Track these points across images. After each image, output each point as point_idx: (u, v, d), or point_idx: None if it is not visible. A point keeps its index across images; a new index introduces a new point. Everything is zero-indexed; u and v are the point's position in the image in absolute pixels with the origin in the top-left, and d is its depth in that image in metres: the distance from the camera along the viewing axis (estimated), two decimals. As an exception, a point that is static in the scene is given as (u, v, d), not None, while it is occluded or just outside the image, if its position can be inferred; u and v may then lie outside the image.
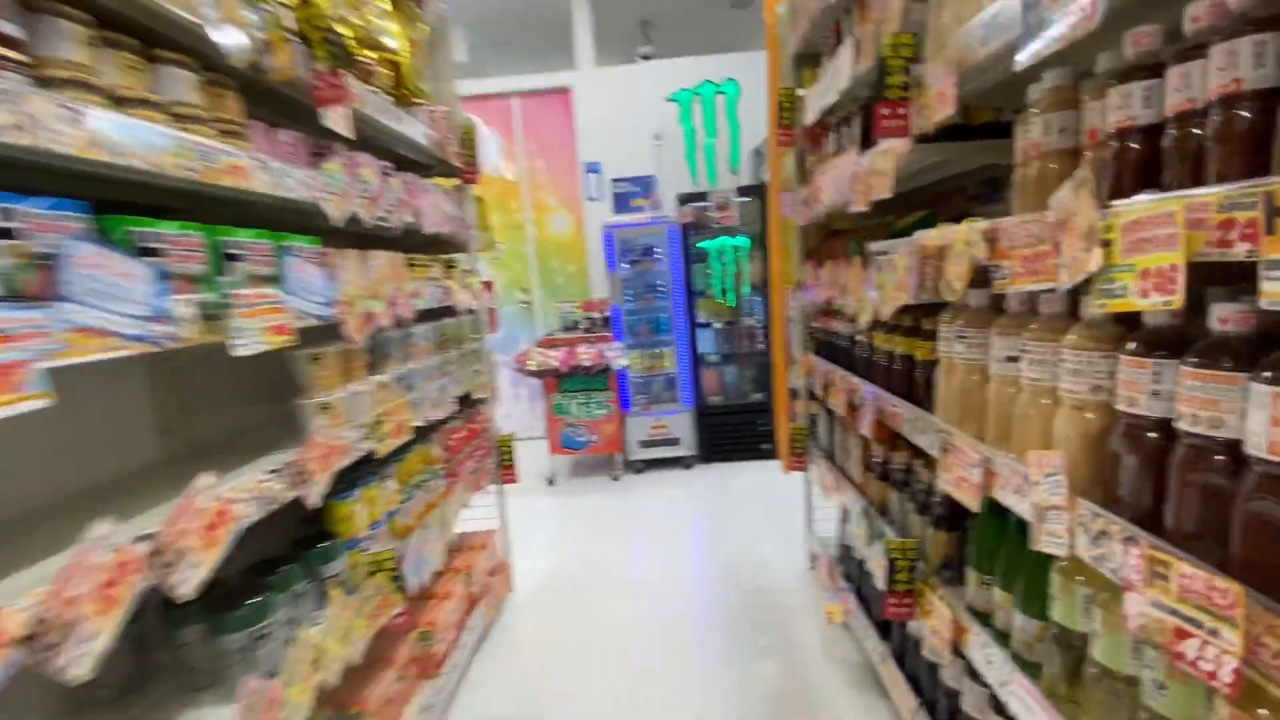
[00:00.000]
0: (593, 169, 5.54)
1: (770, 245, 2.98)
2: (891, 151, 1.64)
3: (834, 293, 2.36)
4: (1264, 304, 0.67)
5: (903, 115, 1.56)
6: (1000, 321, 1.31)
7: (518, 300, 5.93)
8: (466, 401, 2.69)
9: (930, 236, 1.46)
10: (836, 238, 2.71)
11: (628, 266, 4.71)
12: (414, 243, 2.63)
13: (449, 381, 2.33)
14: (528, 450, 5.46)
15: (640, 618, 2.79)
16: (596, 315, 4.94)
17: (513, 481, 2.87)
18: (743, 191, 4.60)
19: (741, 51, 5.55)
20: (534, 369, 4.38)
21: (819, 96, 2.35)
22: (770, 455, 4.80)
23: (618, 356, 4.39)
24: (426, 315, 2.35)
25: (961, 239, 1.30)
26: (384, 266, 1.90)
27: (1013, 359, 1.27)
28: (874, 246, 1.97)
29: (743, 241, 4.65)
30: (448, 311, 2.47)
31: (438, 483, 2.26)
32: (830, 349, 2.64)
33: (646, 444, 4.73)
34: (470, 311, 2.56)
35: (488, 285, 2.85)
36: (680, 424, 4.72)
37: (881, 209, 2.68)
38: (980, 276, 1.28)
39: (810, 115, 2.49)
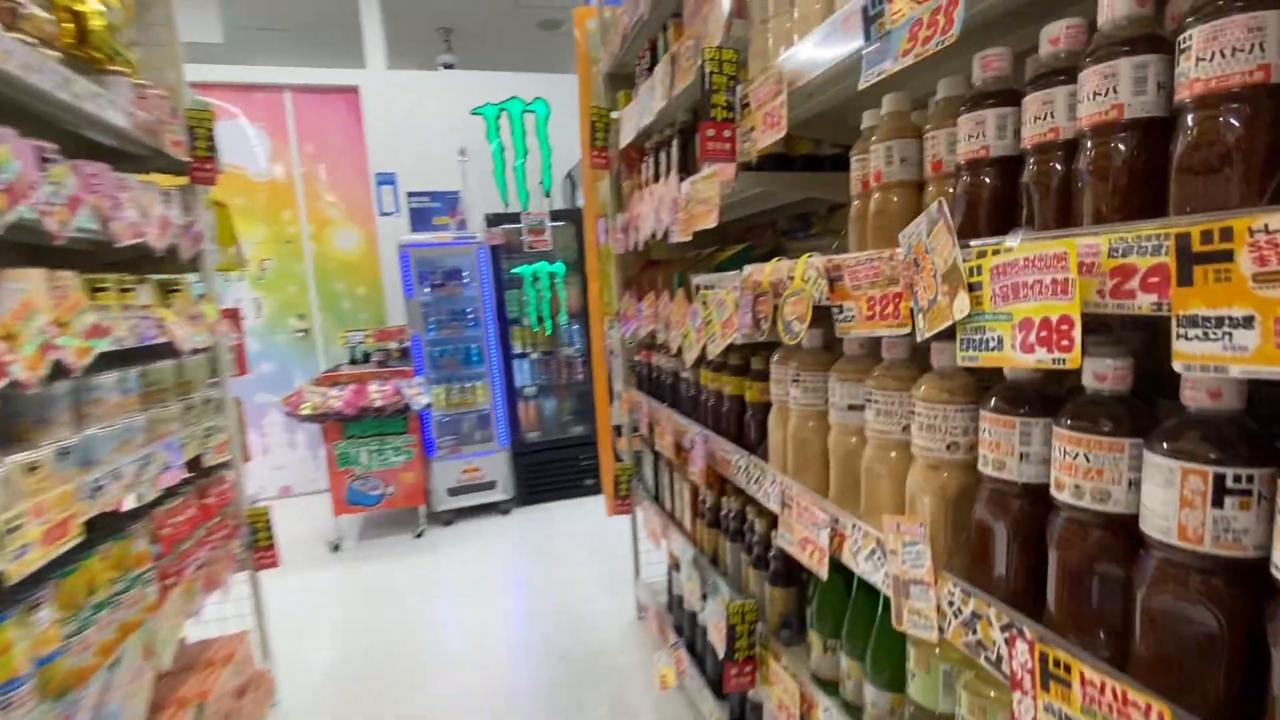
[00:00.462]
0: (386, 180, 4.93)
1: (589, 273, 2.79)
2: (716, 178, 1.50)
3: (656, 326, 2.20)
4: (1178, 366, 0.57)
5: (728, 139, 1.43)
6: (840, 365, 1.20)
7: (293, 329, 5.02)
8: (199, 468, 2.04)
9: (763, 271, 1.33)
10: (656, 268, 2.58)
11: (430, 291, 4.20)
12: (119, 259, 1.94)
13: (164, 447, 1.71)
14: (307, 509, 4.59)
15: (446, 705, 2.33)
16: (393, 346, 4.33)
17: (271, 565, 2.25)
18: (557, 216, 4.37)
19: (552, 73, 5.39)
20: (310, 413, 3.65)
21: (634, 118, 2.20)
22: (595, 490, 4.57)
23: (418, 394, 3.85)
24: (125, 357, 1.70)
25: (799, 276, 1.17)
26: (34, 291, 1.29)
27: (855, 407, 1.16)
28: (699, 280, 1.83)
29: (559, 268, 4.42)
30: (163, 351, 1.83)
31: (142, 592, 1.62)
32: (654, 384, 2.48)
33: (456, 491, 4.21)
34: (200, 350, 1.94)
35: (231, 314, 2.22)
36: (495, 465, 4.29)
37: (700, 240, 2.61)
38: (816, 314, 1.16)
39: (626, 137, 2.33)
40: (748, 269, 1.40)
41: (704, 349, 1.70)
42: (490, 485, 4.29)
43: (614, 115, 2.59)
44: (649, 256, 2.76)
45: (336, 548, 3.91)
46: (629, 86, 2.60)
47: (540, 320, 4.41)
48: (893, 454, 1.06)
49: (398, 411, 3.78)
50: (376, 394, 3.74)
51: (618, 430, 3.02)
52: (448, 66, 5.59)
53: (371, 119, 5.00)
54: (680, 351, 1.95)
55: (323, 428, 3.83)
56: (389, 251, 4.96)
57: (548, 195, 4.72)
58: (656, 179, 2.16)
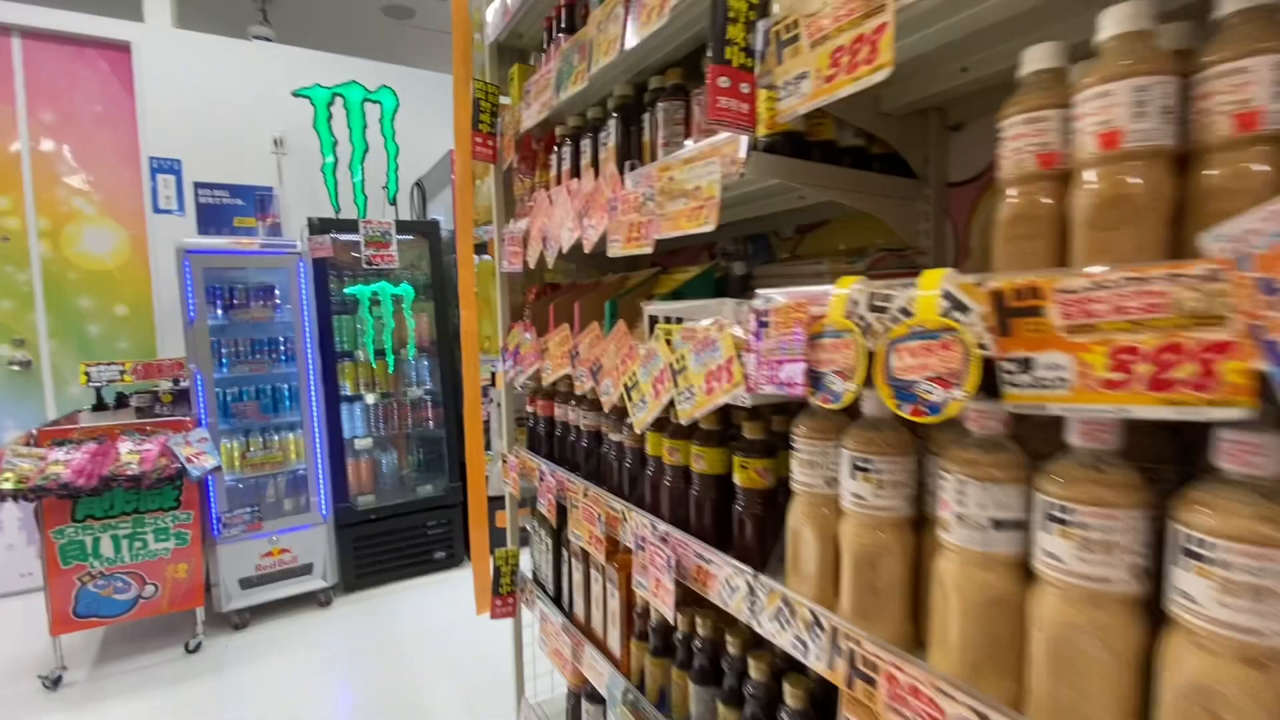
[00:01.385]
0: (166, 168, 3.76)
1: (462, 295, 2.13)
2: (718, 156, 1.01)
3: (569, 369, 1.62)
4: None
5: (746, 96, 0.94)
6: (969, 454, 0.74)
7: (5, 360, 3.56)
8: None
9: (828, 297, 0.84)
10: (557, 293, 2.01)
11: (224, 313, 3.15)
12: None
13: None
14: (10, 620, 3.14)
15: None
16: (164, 387, 3.18)
17: None
18: (405, 228, 3.59)
19: (398, 65, 4.61)
20: (13, 486, 2.44)
21: (544, 92, 1.64)
22: (450, 564, 3.73)
23: (199, 454, 2.79)
24: None
25: (926, 305, 0.70)
26: None
27: (1007, 525, 0.71)
28: (654, 309, 1.30)
29: (406, 290, 3.61)
30: None
31: None
32: (560, 446, 1.88)
33: (254, 582, 3.14)
34: None
35: None
36: (312, 543, 3.29)
37: (599, 264, 2.08)
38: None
39: (529, 120, 1.75)
40: (783, 294, 0.91)
41: (668, 408, 1.17)
42: (304, 570, 3.28)
43: (504, 100, 2.01)
44: (542, 279, 2.19)
45: (56, 682, 2.65)
46: (524, 60, 2.05)
47: (380, 354, 3.55)
48: (1106, 619, 0.61)
49: (165, 480, 2.69)
50: (131, 456, 2.63)
51: (494, 501, 2.34)
52: (265, 39, 4.54)
53: (148, 87, 3.82)
54: (616, 408, 1.40)
55: (37, 508, 2.60)
56: (165, 260, 3.76)
57: (392, 203, 3.90)
58: (576, 174, 1.61)
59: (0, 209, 3.52)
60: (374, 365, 3.54)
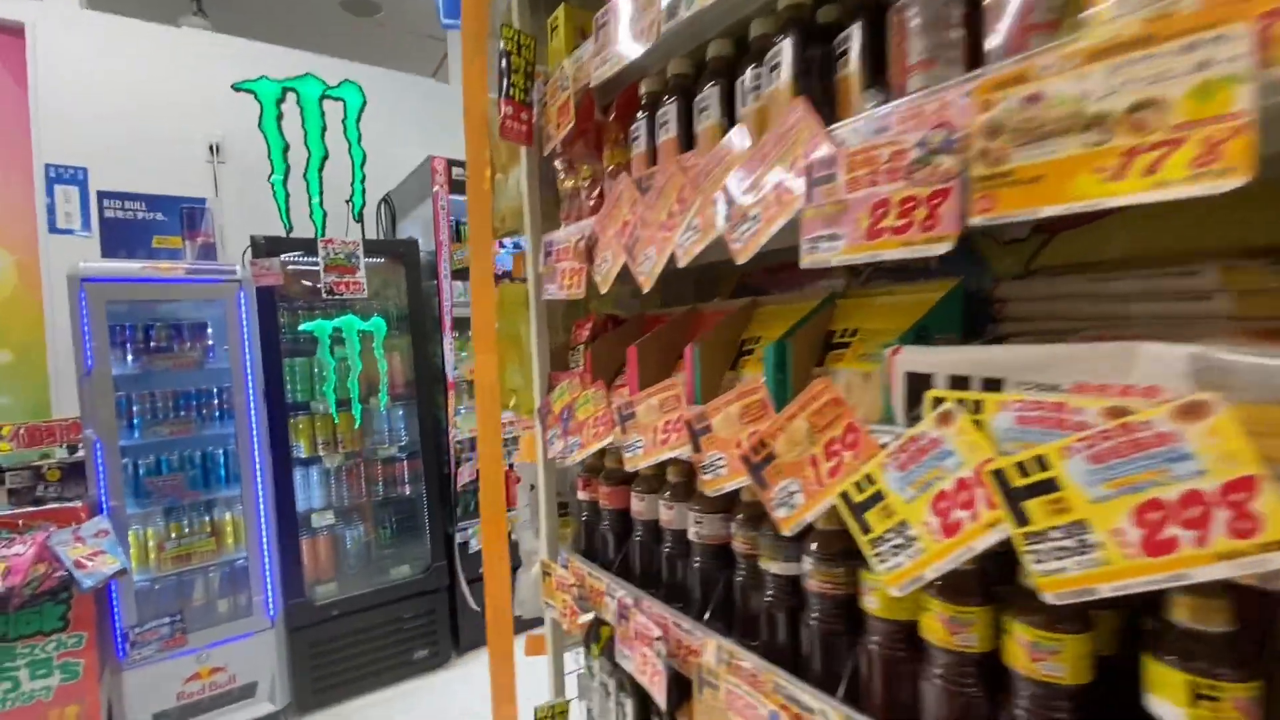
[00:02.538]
0: (65, 178, 3.01)
1: (478, 335, 1.49)
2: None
3: (673, 447, 1.03)
4: None
5: None
6: None
7: None
8: None
9: None
10: (621, 327, 1.41)
11: (135, 360, 2.40)
12: None
13: None
14: None
15: None
16: (56, 459, 2.40)
17: None
18: (376, 249, 2.92)
19: (363, 64, 3.98)
20: None
21: (643, 15, 1.07)
22: (432, 664, 2.99)
23: (96, 554, 2.04)
24: None
25: None
26: None
27: None
28: (938, 359, 0.72)
29: (377, 324, 2.93)
30: None
31: None
32: (639, 558, 1.26)
33: (174, 715, 2.36)
34: None
35: None
36: (255, 656, 2.52)
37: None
38: None
39: (602, 70, 1.17)
40: None
41: (954, 554, 0.59)
42: (244, 693, 2.50)
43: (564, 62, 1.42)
44: (585, 311, 1.59)
45: None
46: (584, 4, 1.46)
47: (343, 405, 2.84)
48: None
49: (43, 596, 1.93)
50: (-12, 567, 1.86)
51: (519, 622, 1.68)
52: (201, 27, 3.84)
53: (46, 79, 3.08)
54: (828, 537, 0.81)
55: None
56: (62, 292, 2.98)
57: (358, 220, 3.23)
58: (686, 144, 1.03)
59: None
60: (335, 419, 2.83)
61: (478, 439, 1.57)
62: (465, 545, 3.11)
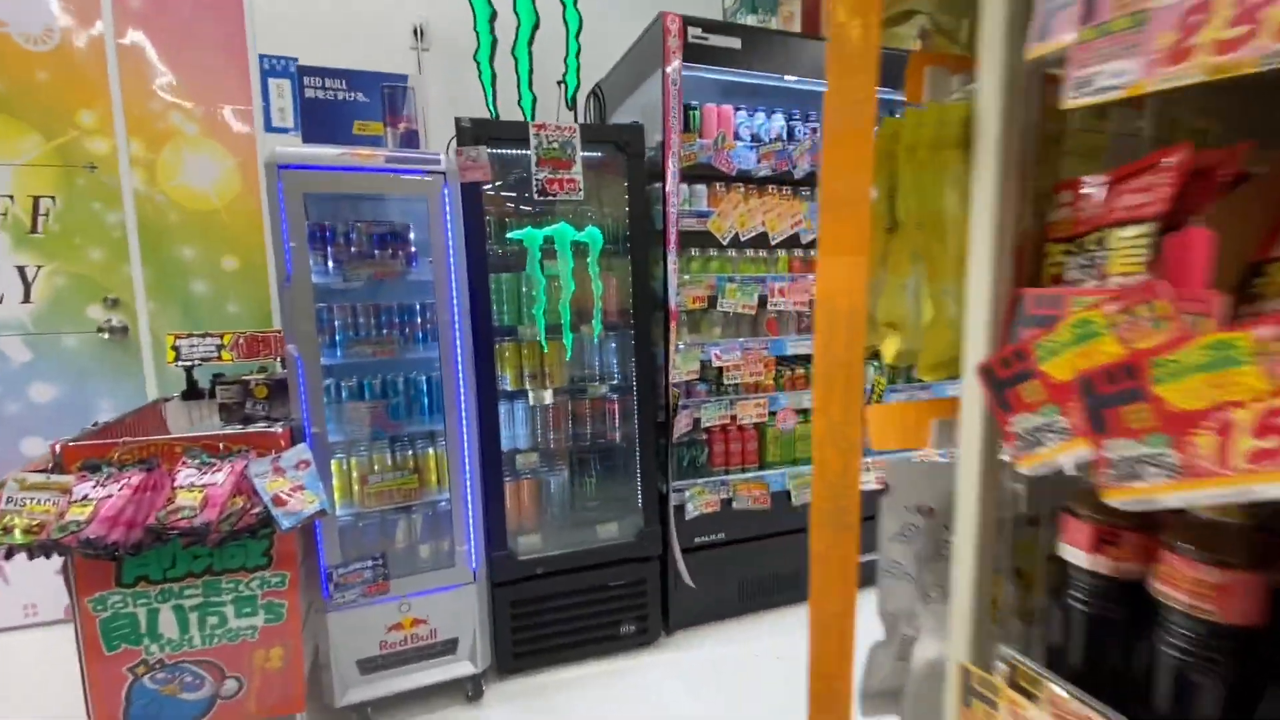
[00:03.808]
0: (279, 70, 2.76)
1: (837, 205, 0.80)
2: None
3: None
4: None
5: None
6: None
7: (96, 325, 2.81)
8: None
9: None
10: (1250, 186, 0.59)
11: (335, 267, 2.07)
12: None
13: None
14: (61, 657, 2.35)
15: None
16: (257, 377, 2.20)
17: None
18: (590, 138, 2.31)
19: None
20: (18, 540, 1.50)
21: None
22: (640, 641, 2.55)
23: (297, 488, 1.75)
24: None
25: None
26: None
27: None
28: None
29: (593, 236, 2.36)
30: None
31: None
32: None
33: (380, 665, 2.13)
34: None
35: None
36: (458, 610, 2.21)
37: None
38: None
39: None
40: None
41: None
42: (446, 648, 2.22)
43: None
44: (1056, 174, 0.77)
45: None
46: None
47: (553, 331, 2.35)
48: None
49: (245, 531, 1.67)
50: (189, 496, 1.62)
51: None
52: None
53: (256, -41, 2.83)
54: None
55: (64, 570, 1.69)
56: (277, 194, 2.79)
57: (570, 107, 2.65)
58: None
59: (86, 127, 2.71)
60: (544, 347, 2.35)
61: (813, 407, 0.88)
62: (681, 509, 2.56)
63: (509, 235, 2.29)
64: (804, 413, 2.85)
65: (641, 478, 2.51)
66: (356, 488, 2.14)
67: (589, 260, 2.36)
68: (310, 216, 2.00)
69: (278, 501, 1.70)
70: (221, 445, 1.79)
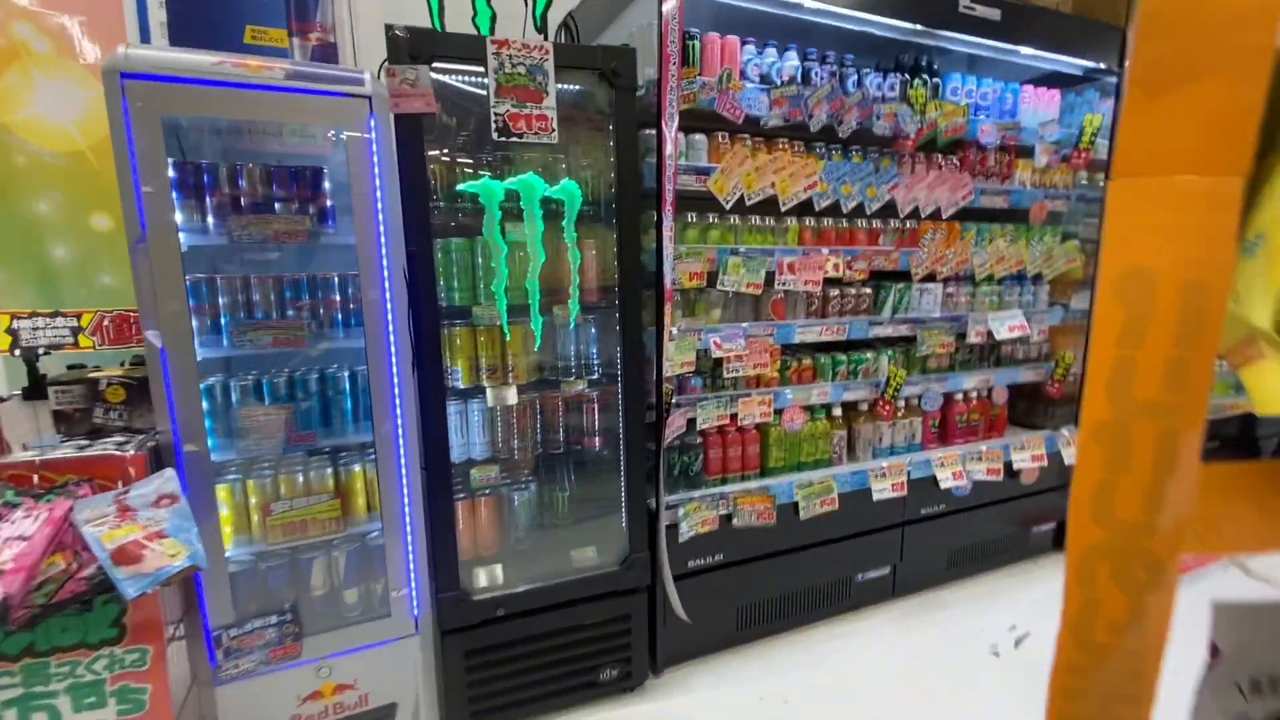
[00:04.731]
0: (158, -31, 2.13)
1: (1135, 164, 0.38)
2: None
3: None
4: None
5: None
6: None
7: (-85, 298, 2.16)
8: None
9: None
10: None
11: (218, 223, 1.51)
12: None
13: None
14: None
15: None
16: (106, 375, 1.64)
17: None
18: (566, 63, 1.79)
19: None
20: None
21: None
22: (622, 687, 2.12)
23: (154, 536, 1.22)
24: None
25: None
26: None
27: None
28: None
29: (569, 191, 1.85)
30: None
31: None
32: None
33: (287, 747, 1.64)
34: None
35: None
36: (393, 668, 1.74)
37: None
38: None
39: None
40: None
41: None
42: (381, 716, 1.74)
43: None
44: None
45: None
46: None
47: (518, 314, 1.85)
48: None
49: (72, 602, 1.15)
50: (-27, 558, 1.08)
51: None
52: None
53: None
54: None
55: None
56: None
57: (540, 29, 2.12)
58: None
59: (-112, 34, 2.03)
60: (506, 333, 1.86)
61: (1078, 482, 0.43)
62: (674, 530, 2.12)
63: (460, 188, 1.77)
64: (812, 410, 2.44)
65: (627, 492, 2.06)
66: (256, 519, 1.62)
67: (564, 224, 1.86)
68: (182, 152, 1.45)
69: (122, 557, 1.19)
70: (36, 477, 1.25)
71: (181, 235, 1.39)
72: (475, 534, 1.99)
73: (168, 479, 1.33)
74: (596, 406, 2.08)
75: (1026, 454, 2.81)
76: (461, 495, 1.94)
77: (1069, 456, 2.91)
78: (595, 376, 2.07)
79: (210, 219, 1.48)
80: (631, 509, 2.06)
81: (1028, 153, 2.76)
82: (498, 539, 2.03)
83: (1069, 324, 3.00)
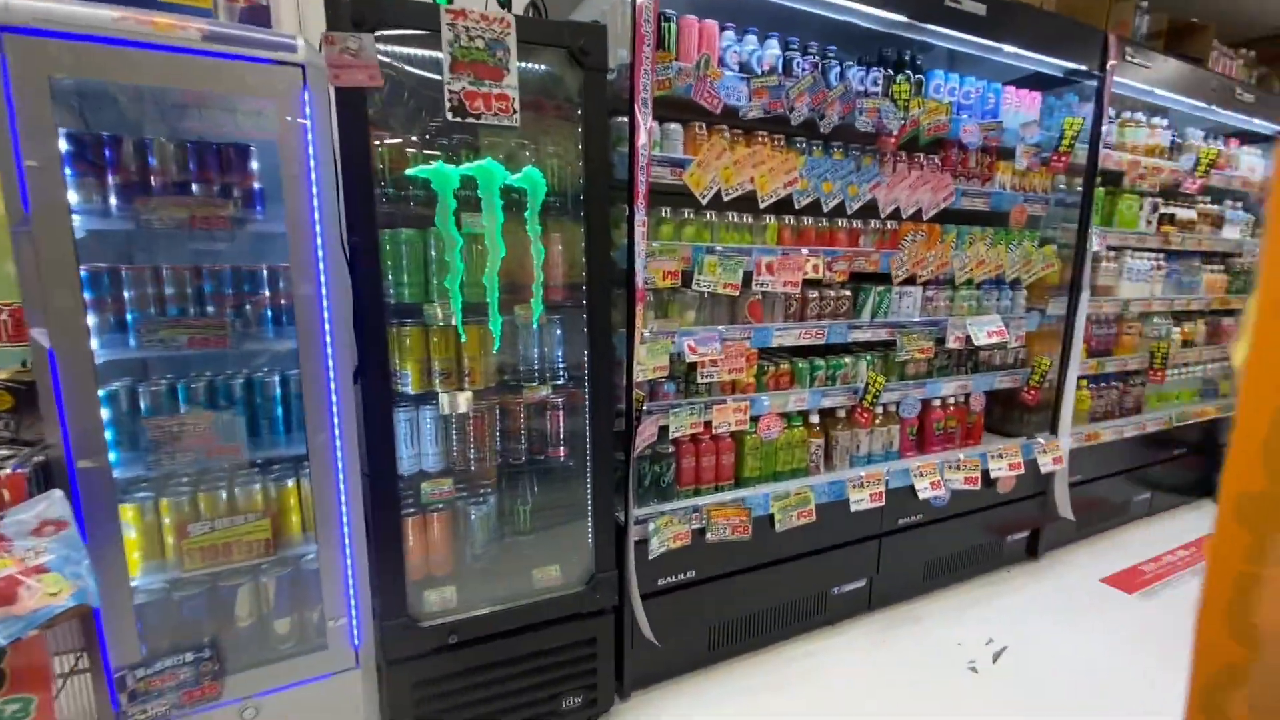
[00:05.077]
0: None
1: None
2: None
3: None
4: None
5: None
6: None
7: None
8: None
9: None
10: None
11: (124, 205, 1.32)
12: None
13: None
14: None
15: None
16: (1, 381, 1.43)
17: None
18: (534, 36, 1.63)
19: None
20: None
21: None
22: (594, 713, 1.98)
23: (34, 572, 1.04)
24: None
25: None
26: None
27: None
28: None
29: (532, 179, 1.70)
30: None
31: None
32: None
33: (205, 799, 1.45)
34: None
35: None
36: (330, 707, 1.56)
37: None
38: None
39: None
40: None
41: None
42: (317, 760, 1.57)
43: None
44: None
45: None
46: None
47: (475, 313, 1.69)
48: None
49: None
50: None
51: None
52: None
53: None
54: None
55: None
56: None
57: (503, 4, 1.96)
58: None
59: None
60: (462, 334, 1.69)
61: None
62: (644, 545, 1.99)
63: (409, 173, 1.60)
64: (789, 417, 2.33)
65: (594, 506, 1.92)
66: (170, 542, 1.43)
67: (526, 215, 1.71)
68: (83, 122, 1.25)
69: (18, 597, 1.00)
70: (-118, 502, 1.05)
71: (76, 218, 1.20)
72: (427, 553, 1.83)
73: (53, 502, 1.14)
74: (562, 414, 1.93)
75: (1004, 462, 2.75)
76: (412, 511, 1.78)
77: (1045, 465, 2.87)
78: (561, 381, 1.92)
79: (114, 200, 1.29)
80: (599, 524, 1.92)
81: (1008, 155, 2.70)
82: (452, 558, 1.87)
83: (1045, 329, 2.96)
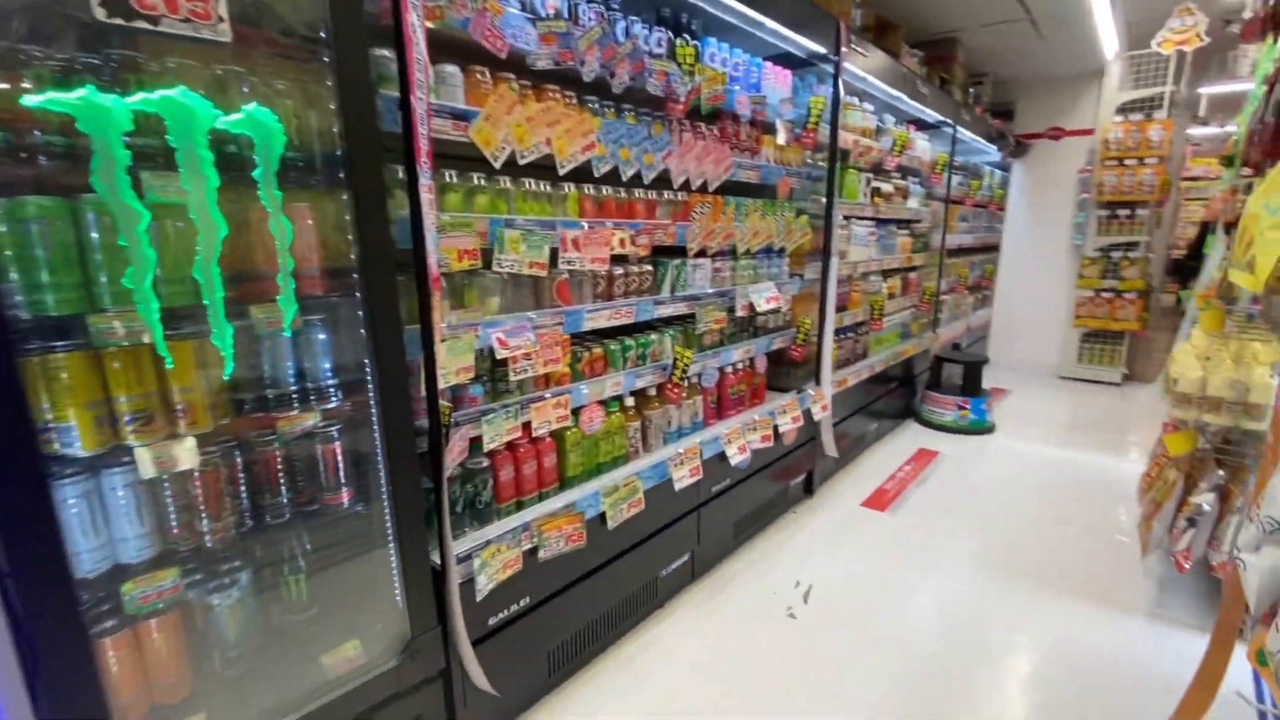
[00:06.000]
0: None
1: None
2: None
3: None
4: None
5: None
6: None
7: None
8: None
9: None
10: None
11: None
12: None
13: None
14: None
15: None
16: None
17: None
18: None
19: None
20: None
21: None
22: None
23: None
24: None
25: None
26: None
27: None
28: None
29: (262, 125, 1.18)
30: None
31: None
32: None
33: None
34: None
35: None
36: None
37: None
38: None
39: None
40: None
41: None
42: None
43: None
44: None
45: None
46: None
47: (179, 322, 1.14)
48: None
49: None
50: None
51: None
52: None
53: None
54: None
55: None
56: None
57: None
58: None
59: None
60: (164, 353, 1.13)
61: None
62: (469, 586, 1.64)
63: (30, 103, 0.98)
64: (606, 403, 2.16)
65: (400, 553, 1.51)
66: None
67: (257, 176, 1.20)
68: None
69: None
70: None
71: None
72: (147, 678, 1.23)
73: None
74: (338, 445, 1.46)
75: (788, 416, 2.98)
76: (110, 626, 1.17)
77: (815, 413, 3.19)
78: (334, 403, 1.44)
79: None
80: (409, 575, 1.51)
81: (770, 129, 2.85)
82: (189, 674, 1.30)
83: (804, 292, 3.26)
